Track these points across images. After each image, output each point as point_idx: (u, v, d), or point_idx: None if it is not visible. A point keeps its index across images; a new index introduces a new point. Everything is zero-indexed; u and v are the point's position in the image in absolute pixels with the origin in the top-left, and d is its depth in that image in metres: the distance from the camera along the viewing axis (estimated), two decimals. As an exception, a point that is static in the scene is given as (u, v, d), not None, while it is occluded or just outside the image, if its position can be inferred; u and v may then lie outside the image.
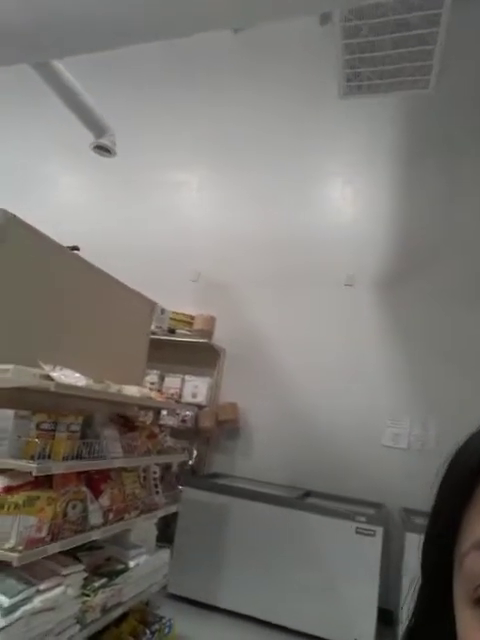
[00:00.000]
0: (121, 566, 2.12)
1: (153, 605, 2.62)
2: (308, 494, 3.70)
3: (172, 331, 4.19)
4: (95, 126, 4.22)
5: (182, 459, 2.62)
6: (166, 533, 3.28)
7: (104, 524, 1.90)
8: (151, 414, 3.67)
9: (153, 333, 4.28)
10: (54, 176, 5.33)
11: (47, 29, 2.34)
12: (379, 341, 3.89)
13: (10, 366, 1.65)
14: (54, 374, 1.82)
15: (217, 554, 3.32)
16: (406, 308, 3.89)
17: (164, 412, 4.15)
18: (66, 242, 2.25)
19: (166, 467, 2.80)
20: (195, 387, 4.21)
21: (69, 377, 1.84)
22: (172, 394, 4.24)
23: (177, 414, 4.11)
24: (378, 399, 3.79)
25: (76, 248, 2.41)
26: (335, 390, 3.89)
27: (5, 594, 1.55)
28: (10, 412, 1.70)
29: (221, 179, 4.74)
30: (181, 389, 4.24)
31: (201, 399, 4.15)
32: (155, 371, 4.31)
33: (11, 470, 1.63)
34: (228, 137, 4.72)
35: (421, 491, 3.11)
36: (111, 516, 1.94)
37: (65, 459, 1.78)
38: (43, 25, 2.30)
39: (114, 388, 2.02)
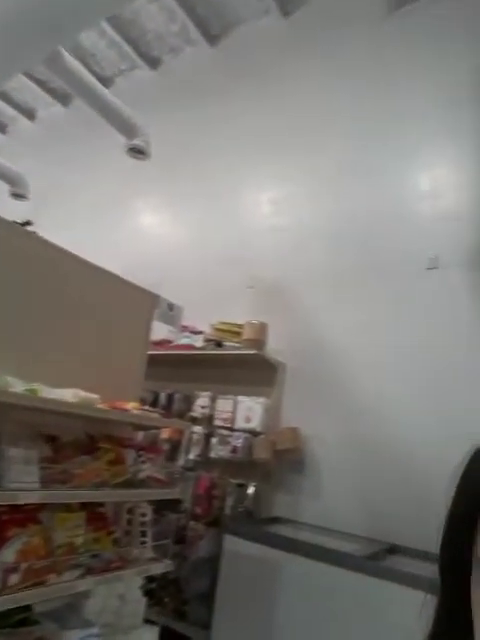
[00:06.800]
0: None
1: None
2: (392, 550, 2.73)
3: (219, 344, 3.57)
4: (126, 128, 3.95)
5: (164, 495, 1.91)
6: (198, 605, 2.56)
7: (1, 589, 1.27)
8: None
9: (201, 348, 3.73)
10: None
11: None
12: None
13: None
14: None
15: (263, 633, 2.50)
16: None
17: (214, 439, 3.49)
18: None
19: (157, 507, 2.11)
20: (249, 410, 3.50)
21: None
22: (225, 419, 3.58)
23: (228, 442, 3.43)
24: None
25: (28, 223, 1.93)
26: (429, 411, 2.91)
27: None
28: None
29: (280, 171, 4.10)
30: (234, 413, 3.56)
31: (255, 424, 3.42)
32: (207, 393, 3.72)
33: None
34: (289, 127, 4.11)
35: None
36: (16, 578, 1.30)
37: None
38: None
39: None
